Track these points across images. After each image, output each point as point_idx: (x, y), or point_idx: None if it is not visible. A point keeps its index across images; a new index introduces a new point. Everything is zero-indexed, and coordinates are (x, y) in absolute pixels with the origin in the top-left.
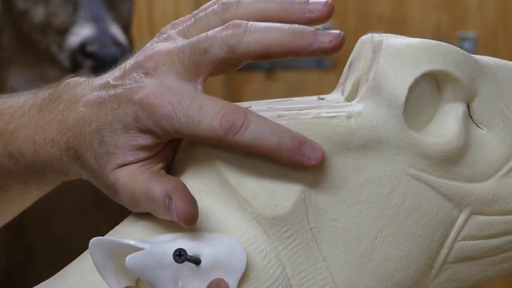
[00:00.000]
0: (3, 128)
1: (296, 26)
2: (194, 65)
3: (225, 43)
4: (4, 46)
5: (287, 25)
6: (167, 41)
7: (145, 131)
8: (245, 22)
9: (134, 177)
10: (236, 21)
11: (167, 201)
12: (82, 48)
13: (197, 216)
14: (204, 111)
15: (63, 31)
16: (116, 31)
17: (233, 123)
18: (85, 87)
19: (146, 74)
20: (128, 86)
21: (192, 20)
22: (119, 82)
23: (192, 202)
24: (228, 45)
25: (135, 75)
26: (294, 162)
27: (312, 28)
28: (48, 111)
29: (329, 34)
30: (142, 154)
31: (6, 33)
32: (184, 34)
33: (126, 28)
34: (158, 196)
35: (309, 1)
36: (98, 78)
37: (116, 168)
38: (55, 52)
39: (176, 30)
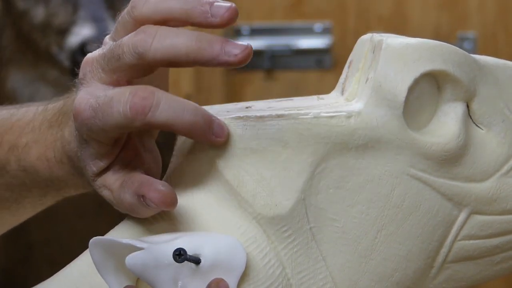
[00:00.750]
0: (14, 142)
1: (203, 36)
2: (113, 71)
3: (134, 50)
4: (4, 46)
5: (195, 34)
6: (100, 47)
7: (87, 139)
8: (155, 28)
9: (111, 189)
10: (146, 27)
11: (142, 200)
12: (82, 48)
13: (174, 195)
14: (114, 101)
15: (63, 31)
16: None
17: (141, 104)
18: None
19: (80, 83)
20: None
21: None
22: None
23: (161, 187)
24: (137, 52)
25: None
26: (205, 140)
27: (220, 39)
28: (56, 127)
29: (237, 47)
30: (104, 161)
31: (6, 33)
32: (113, 39)
33: None
34: (133, 202)
35: (214, 3)
36: None
37: (93, 180)
38: (55, 52)
39: (110, 35)
